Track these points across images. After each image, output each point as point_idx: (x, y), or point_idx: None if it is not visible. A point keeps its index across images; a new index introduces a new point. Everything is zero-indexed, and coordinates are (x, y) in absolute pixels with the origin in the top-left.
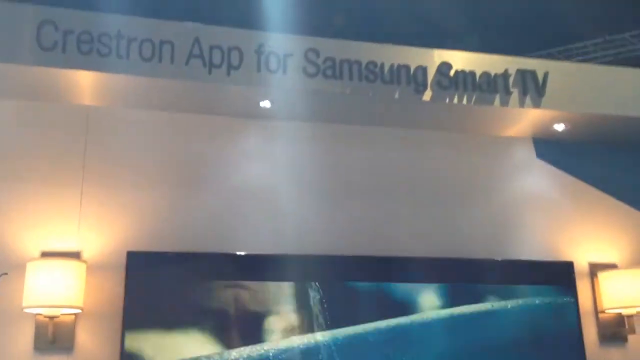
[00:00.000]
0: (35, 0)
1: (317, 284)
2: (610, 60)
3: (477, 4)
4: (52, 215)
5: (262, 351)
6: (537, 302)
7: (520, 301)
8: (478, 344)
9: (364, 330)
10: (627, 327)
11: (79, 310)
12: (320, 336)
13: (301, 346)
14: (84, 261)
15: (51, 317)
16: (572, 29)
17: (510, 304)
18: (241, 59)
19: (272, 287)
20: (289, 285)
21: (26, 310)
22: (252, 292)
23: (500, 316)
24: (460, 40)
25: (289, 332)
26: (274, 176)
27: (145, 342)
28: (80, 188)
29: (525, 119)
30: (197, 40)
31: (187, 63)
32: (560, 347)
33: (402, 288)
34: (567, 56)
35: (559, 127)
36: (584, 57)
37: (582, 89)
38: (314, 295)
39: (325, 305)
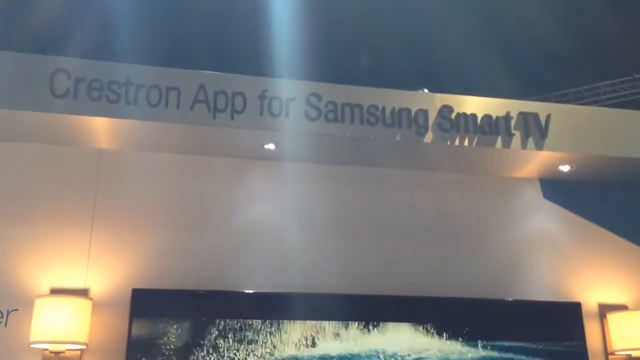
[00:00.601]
0: (48, 51)
1: (324, 322)
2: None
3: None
4: (62, 254)
5: None
6: (544, 342)
7: (528, 341)
8: None
9: None
10: None
11: (84, 346)
12: None
13: None
14: (90, 298)
15: (57, 353)
16: (600, 67)
17: (518, 344)
18: (245, 104)
19: (279, 325)
20: (296, 324)
21: (33, 346)
22: (258, 330)
23: (508, 357)
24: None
25: None
26: (279, 215)
27: None
28: (90, 227)
29: (530, 160)
30: (202, 87)
31: (192, 108)
32: None
33: (408, 327)
34: (595, 94)
35: (565, 168)
36: (613, 94)
37: (585, 131)
38: (319, 334)
39: (332, 344)
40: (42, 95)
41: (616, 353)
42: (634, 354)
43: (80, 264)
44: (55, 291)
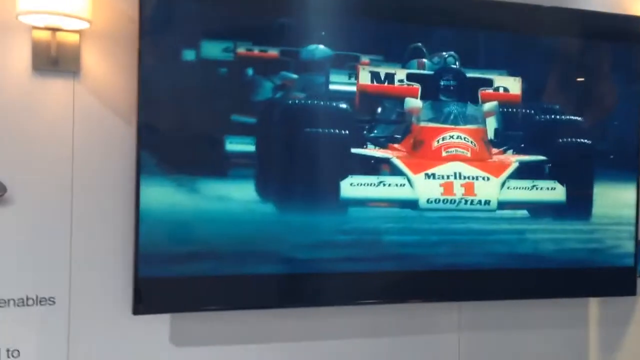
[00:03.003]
0: None
1: None
2: None
3: None
4: None
5: None
6: (598, 57)
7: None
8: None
9: None
10: None
11: (86, 24)
12: None
13: None
14: None
15: (53, 30)
16: None
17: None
18: None
19: None
20: None
21: (21, 18)
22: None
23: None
24: None
25: None
26: None
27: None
28: None
29: None
30: None
31: None
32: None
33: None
34: None
35: None
36: None
37: None
38: None
39: None
40: None
41: None
42: None
43: None
44: None
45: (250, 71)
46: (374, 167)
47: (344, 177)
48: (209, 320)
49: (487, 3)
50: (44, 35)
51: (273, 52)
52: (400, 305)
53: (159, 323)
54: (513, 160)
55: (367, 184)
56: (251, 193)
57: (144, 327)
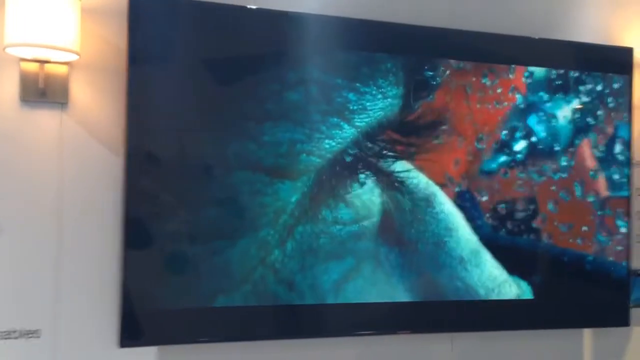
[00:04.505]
0: None
1: None
2: None
3: None
4: None
5: None
6: (584, 89)
7: (565, 87)
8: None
9: None
10: None
11: (75, 57)
12: None
13: None
14: None
15: (41, 62)
16: None
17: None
18: None
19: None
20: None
21: (8, 51)
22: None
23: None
24: None
25: None
26: None
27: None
28: None
29: None
30: None
31: None
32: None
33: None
34: None
35: None
36: None
37: None
38: None
39: None
40: None
41: None
42: None
43: None
44: None
45: None
46: None
47: None
48: (197, 353)
49: (477, 36)
50: (32, 67)
51: None
52: (394, 336)
53: (147, 356)
54: None
55: None
56: None
57: None
